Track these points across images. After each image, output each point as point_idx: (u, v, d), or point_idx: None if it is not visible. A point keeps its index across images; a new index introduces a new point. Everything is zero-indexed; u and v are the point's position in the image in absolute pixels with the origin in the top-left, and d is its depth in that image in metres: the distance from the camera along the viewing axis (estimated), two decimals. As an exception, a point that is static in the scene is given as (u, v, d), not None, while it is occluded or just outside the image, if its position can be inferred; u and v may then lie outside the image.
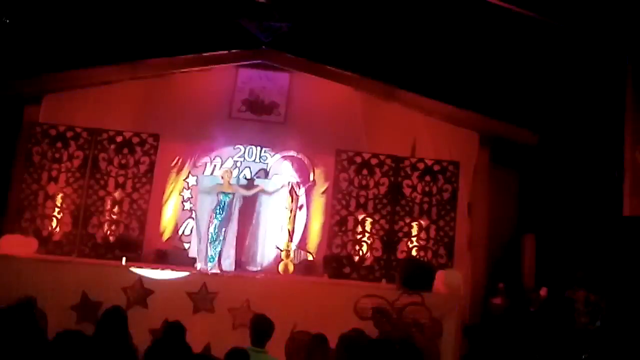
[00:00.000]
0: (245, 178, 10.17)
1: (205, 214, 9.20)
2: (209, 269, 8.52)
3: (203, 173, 10.37)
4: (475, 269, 10.01)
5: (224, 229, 8.83)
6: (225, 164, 10.37)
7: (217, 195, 8.92)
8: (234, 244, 9.14)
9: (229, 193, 8.94)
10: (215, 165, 10.47)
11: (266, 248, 9.98)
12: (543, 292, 9.07)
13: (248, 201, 9.74)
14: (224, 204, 8.88)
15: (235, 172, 10.09)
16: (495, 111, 9.87)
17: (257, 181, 10.08)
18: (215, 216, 8.83)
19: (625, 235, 7.89)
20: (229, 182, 9.04)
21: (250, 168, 10.47)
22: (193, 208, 10.14)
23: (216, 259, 8.73)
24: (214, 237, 8.76)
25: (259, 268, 9.67)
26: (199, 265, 8.70)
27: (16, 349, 3.42)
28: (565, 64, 9.02)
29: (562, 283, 8.96)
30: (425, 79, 9.78)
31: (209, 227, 8.84)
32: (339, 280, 8.98)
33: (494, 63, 9.30)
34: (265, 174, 10.45)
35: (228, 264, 8.89)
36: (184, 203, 10.37)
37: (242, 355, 4.33)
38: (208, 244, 8.77)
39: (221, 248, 8.81)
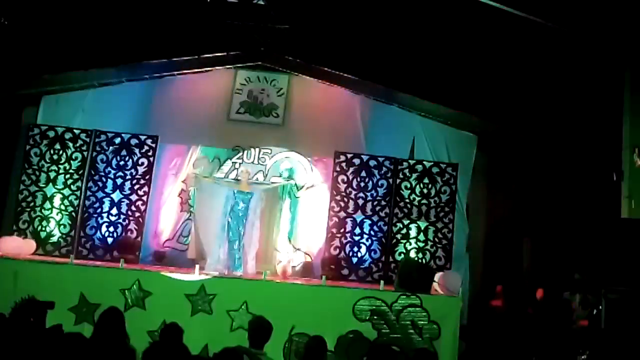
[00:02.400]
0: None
1: (207, 215, 9.24)
2: (233, 272, 8.55)
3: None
4: (473, 270, 10.03)
5: (243, 231, 8.88)
6: (223, 165, 10.38)
7: (234, 196, 8.93)
8: (257, 245, 9.24)
9: (248, 193, 8.95)
10: (213, 167, 10.47)
11: (264, 250, 9.97)
12: (539, 293, 9.08)
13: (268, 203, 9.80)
14: (243, 204, 8.90)
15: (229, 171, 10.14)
16: (494, 114, 9.88)
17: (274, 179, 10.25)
18: (233, 218, 8.87)
19: (623, 238, 7.88)
20: (247, 181, 9.08)
21: (248, 170, 10.46)
22: (191, 210, 10.13)
23: (242, 261, 8.81)
24: (234, 238, 8.82)
25: (256, 270, 9.65)
26: (212, 267, 8.70)
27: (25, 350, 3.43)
28: (564, 66, 9.02)
29: (560, 285, 8.97)
30: (424, 81, 9.77)
31: (227, 230, 8.89)
32: (338, 282, 8.98)
33: (492, 66, 9.30)
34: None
35: (251, 267, 8.96)
36: (183, 205, 10.36)
37: (235, 356, 4.31)
38: (227, 246, 8.83)
39: (243, 250, 8.89)
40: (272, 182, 10.22)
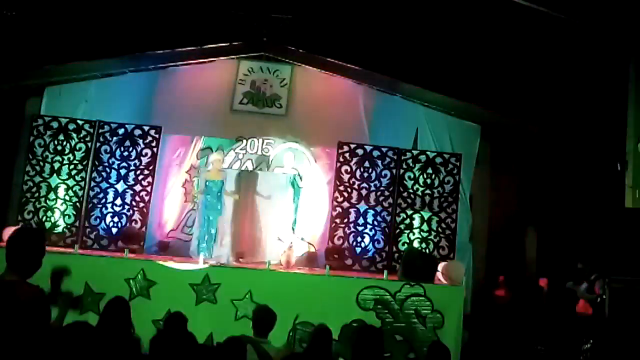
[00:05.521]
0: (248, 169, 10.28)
1: (200, 204, 9.34)
2: (201, 260, 8.52)
3: (205, 165, 10.39)
4: (476, 260, 10.05)
5: (212, 218, 8.94)
6: (227, 156, 10.39)
7: (205, 184, 9.06)
8: (229, 232, 9.23)
9: (218, 181, 9.00)
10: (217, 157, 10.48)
11: (268, 239, 10.00)
12: (542, 282, 9.10)
13: (249, 192, 9.82)
14: (213, 192, 8.96)
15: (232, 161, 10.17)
16: (497, 103, 9.86)
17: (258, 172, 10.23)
18: (205, 205, 8.98)
19: (627, 227, 7.88)
20: (218, 169, 9.12)
21: (252, 160, 10.49)
22: (195, 200, 10.16)
23: (209, 249, 8.84)
24: (204, 226, 8.92)
25: (261, 259, 9.68)
26: (194, 256, 8.76)
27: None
28: (568, 56, 8.99)
29: (563, 274, 8.99)
30: (428, 71, 9.75)
31: (202, 217, 9.01)
32: (341, 271, 9.00)
33: (497, 55, 9.26)
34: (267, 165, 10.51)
35: (222, 255, 8.97)
36: (186, 195, 10.39)
37: (239, 345, 4.33)
38: (200, 234, 8.95)
39: (214, 238, 8.94)
40: (263, 170, 10.24)
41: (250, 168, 10.33)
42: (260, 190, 9.92)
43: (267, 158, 10.49)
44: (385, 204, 9.82)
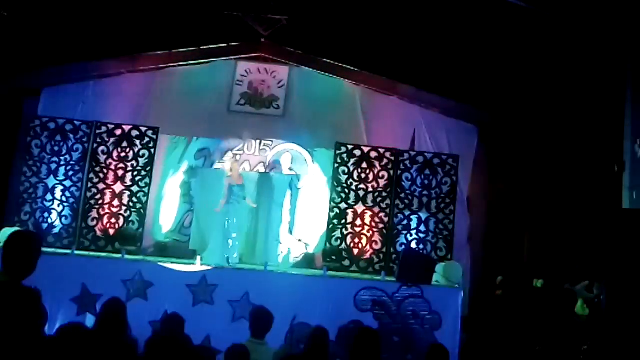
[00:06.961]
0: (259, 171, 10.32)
1: (209, 207, 9.31)
2: (230, 263, 8.68)
3: (202, 166, 10.38)
4: (474, 261, 10.05)
5: (235, 221, 9.03)
6: (224, 156, 10.38)
7: (227, 187, 9.00)
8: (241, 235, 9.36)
9: (239, 185, 9.02)
10: (214, 159, 10.48)
11: (266, 241, 10.00)
12: (539, 284, 9.09)
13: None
14: (238, 196, 9.00)
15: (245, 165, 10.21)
16: (494, 105, 9.87)
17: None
18: (230, 210, 9.00)
19: (624, 229, 7.88)
20: (238, 173, 9.14)
21: (249, 161, 10.48)
22: (193, 201, 10.16)
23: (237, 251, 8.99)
24: (231, 229, 8.97)
25: (258, 261, 9.68)
26: (215, 259, 8.75)
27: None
28: (565, 57, 9.00)
29: (561, 276, 8.98)
30: (425, 72, 9.76)
31: (225, 221, 9.03)
32: (339, 273, 8.99)
33: (493, 56, 9.28)
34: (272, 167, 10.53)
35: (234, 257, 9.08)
36: (184, 196, 10.37)
37: (242, 352, 4.34)
38: (225, 237, 8.99)
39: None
40: (261, 172, 10.26)
41: (248, 170, 10.31)
42: (258, 192, 9.91)
43: (264, 159, 10.48)
44: (383, 205, 9.82)
